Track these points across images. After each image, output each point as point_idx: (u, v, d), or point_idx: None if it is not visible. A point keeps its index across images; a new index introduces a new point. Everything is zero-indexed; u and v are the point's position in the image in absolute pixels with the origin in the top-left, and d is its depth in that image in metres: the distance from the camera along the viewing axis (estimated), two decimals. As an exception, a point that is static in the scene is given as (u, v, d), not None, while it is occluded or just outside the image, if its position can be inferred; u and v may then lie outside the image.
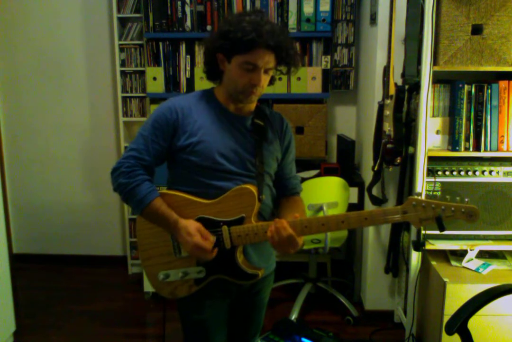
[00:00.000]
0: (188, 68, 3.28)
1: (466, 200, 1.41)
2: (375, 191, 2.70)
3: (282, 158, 1.70)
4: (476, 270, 2.27)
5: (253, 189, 1.54)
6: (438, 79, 2.30)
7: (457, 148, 2.28)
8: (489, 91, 2.23)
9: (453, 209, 1.40)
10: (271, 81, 1.61)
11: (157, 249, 1.62)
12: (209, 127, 1.56)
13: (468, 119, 2.27)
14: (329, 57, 3.22)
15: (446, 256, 2.42)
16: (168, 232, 1.58)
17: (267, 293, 1.80)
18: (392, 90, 2.39)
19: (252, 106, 1.65)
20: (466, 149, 2.29)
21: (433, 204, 1.41)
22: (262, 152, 1.61)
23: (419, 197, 1.43)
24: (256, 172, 1.59)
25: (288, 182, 1.74)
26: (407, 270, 2.49)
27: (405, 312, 2.62)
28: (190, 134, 1.54)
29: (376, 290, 2.90)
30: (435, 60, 2.19)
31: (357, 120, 3.45)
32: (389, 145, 2.38)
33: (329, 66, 3.22)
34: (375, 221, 1.46)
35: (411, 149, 2.42)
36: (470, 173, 2.32)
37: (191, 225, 1.51)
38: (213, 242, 1.51)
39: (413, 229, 2.31)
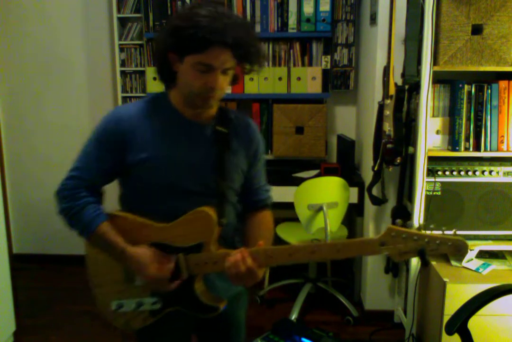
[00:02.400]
0: (188, 68, 3.27)
1: (453, 230, 1.28)
2: (375, 191, 2.70)
3: (249, 168, 1.50)
4: (476, 270, 2.27)
5: (212, 212, 1.36)
6: (438, 79, 2.30)
7: (457, 148, 2.28)
8: (489, 91, 2.22)
9: (438, 242, 1.23)
10: (235, 80, 1.42)
11: (109, 276, 1.46)
12: (162, 140, 1.37)
13: (468, 119, 2.27)
14: (329, 57, 3.22)
15: (446, 256, 2.41)
16: (118, 262, 1.41)
17: (240, 316, 1.63)
18: (392, 90, 2.39)
19: (214, 110, 1.44)
20: (466, 149, 2.29)
21: (415, 235, 1.25)
22: (224, 166, 1.42)
23: (400, 227, 1.27)
24: (218, 190, 1.41)
25: (256, 194, 1.55)
26: (407, 270, 2.49)
27: (405, 312, 2.62)
28: (140, 149, 1.35)
29: (376, 290, 2.90)
30: (435, 60, 2.19)
31: (357, 120, 3.45)
32: (389, 145, 2.37)
33: (329, 66, 3.22)
34: (349, 253, 1.30)
35: (411, 149, 2.42)
36: (470, 173, 2.32)
37: (142, 254, 1.35)
38: (171, 268, 1.35)
39: (413, 229, 2.31)
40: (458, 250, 1.22)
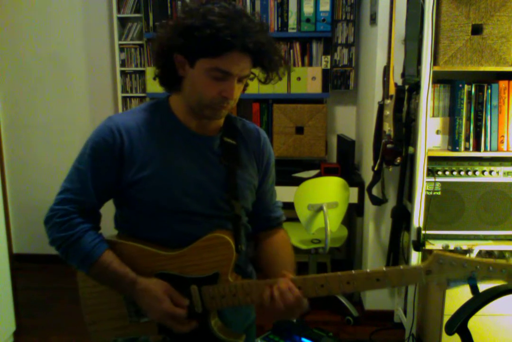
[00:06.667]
0: (188, 68, 3.27)
1: (506, 255, 1.23)
2: (375, 191, 2.70)
3: (260, 184, 1.35)
4: (476, 270, 2.26)
5: (229, 237, 1.20)
6: (438, 79, 2.30)
7: (457, 148, 2.28)
8: (489, 91, 2.22)
9: (491, 268, 1.09)
10: (244, 88, 1.28)
11: (107, 312, 1.30)
12: (165, 155, 1.21)
13: (468, 119, 2.27)
14: (329, 57, 3.22)
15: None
16: (123, 295, 1.26)
17: None
18: (392, 90, 2.39)
19: (221, 121, 1.29)
20: (466, 149, 2.29)
21: (465, 261, 1.12)
22: (236, 184, 1.25)
23: (447, 253, 1.15)
24: (232, 212, 1.25)
25: (270, 211, 1.40)
26: (407, 270, 2.49)
27: (405, 312, 2.62)
28: (140, 166, 1.19)
29: (376, 290, 2.90)
30: (435, 60, 2.19)
31: (357, 120, 3.45)
32: (389, 145, 2.38)
33: (329, 66, 3.22)
34: (391, 283, 1.17)
35: (411, 149, 2.42)
36: (470, 173, 2.32)
37: (156, 286, 1.18)
38: (187, 303, 1.19)
39: (413, 229, 2.31)
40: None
